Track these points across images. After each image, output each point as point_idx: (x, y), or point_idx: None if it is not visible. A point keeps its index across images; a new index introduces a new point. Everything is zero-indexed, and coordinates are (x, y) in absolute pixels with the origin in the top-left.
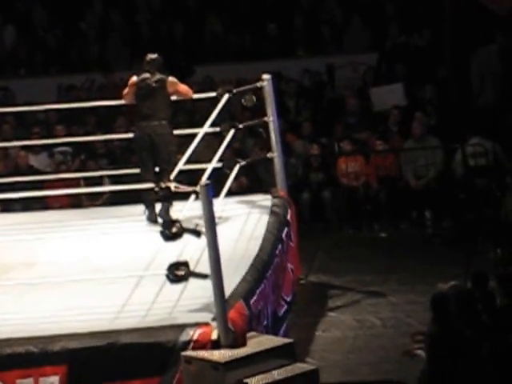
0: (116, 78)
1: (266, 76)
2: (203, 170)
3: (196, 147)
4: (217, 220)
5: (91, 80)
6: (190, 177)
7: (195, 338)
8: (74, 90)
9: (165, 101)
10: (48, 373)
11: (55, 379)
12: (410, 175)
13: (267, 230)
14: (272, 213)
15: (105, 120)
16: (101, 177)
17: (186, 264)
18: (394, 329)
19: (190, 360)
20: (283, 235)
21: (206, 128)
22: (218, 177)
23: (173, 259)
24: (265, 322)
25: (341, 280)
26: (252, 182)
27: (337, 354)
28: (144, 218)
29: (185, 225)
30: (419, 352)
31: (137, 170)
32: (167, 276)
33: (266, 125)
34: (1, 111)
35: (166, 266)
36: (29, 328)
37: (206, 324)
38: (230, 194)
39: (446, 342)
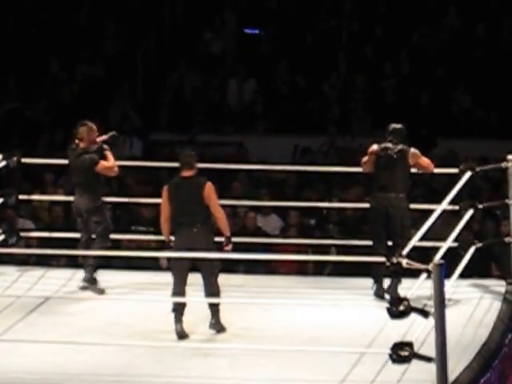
0: (355, 144)
1: (510, 157)
2: (437, 248)
3: (432, 224)
4: (446, 302)
5: (329, 143)
6: (422, 254)
7: None
8: (310, 152)
9: (404, 173)
10: None
11: None
12: None
13: (498, 318)
14: (505, 300)
15: (339, 186)
16: (329, 245)
17: (410, 345)
18: None
19: None
20: None
21: (445, 205)
22: (452, 257)
23: (397, 338)
24: None
25: None
26: (486, 266)
27: None
28: (371, 292)
29: (413, 304)
30: None
31: (368, 242)
32: (390, 355)
33: (506, 207)
34: (233, 168)
35: (389, 344)
36: None
37: None
38: (462, 276)
39: None
